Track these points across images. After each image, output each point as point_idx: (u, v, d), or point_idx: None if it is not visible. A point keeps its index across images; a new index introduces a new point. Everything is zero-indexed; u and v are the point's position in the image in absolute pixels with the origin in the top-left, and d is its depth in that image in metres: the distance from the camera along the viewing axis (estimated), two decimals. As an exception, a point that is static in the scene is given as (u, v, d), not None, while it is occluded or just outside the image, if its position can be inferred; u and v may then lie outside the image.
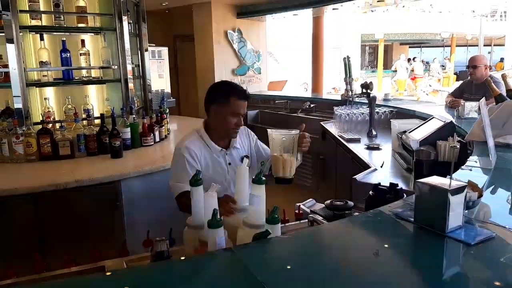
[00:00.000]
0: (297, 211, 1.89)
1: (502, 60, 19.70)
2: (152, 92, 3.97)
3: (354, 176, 2.39)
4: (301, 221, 1.71)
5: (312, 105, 5.40)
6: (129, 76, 3.30)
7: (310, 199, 2.08)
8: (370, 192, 1.66)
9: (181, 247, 1.46)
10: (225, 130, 2.07)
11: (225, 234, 1.28)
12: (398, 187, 1.60)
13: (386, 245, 1.14)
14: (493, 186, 1.71)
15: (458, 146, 1.32)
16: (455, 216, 1.16)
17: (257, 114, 5.73)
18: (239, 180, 1.41)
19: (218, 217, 1.18)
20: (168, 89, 4.89)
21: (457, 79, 16.31)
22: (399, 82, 16.53)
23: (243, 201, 1.36)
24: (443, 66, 20.09)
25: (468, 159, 2.01)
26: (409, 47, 25.44)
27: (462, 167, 1.91)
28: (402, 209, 1.33)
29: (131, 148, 3.10)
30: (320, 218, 1.55)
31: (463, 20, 19.22)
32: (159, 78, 4.73)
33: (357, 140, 3.40)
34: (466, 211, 1.24)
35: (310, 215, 1.54)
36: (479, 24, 15.12)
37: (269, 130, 1.85)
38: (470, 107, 3.33)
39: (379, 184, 1.62)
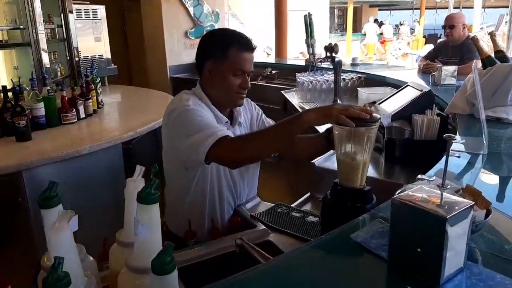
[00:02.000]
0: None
1: (469, 22, 19.56)
2: (81, 58, 3.35)
3: (313, 161, 1.93)
4: (226, 239, 1.21)
5: (273, 72, 4.88)
6: (42, 38, 2.68)
7: (255, 197, 1.63)
8: (328, 193, 1.21)
9: None
10: (226, 95, 1.48)
11: (95, 280, 0.80)
12: (365, 188, 1.15)
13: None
14: (492, 184, 1.28)
15: (456, 138, 0.87)
16: (455, 256, 0.71)
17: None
18: (128, 199, 0.91)
19: (62, 270, 0.69)
20: (108, 54, 4.24)
21: (426, 42, 16.05)
22: (368, 46, 16.13)
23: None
24: (412, 29, 19.79)
25: (452, 141, 1.58)
26: (379, 9, 24.94)
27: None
28: (370, 234, 0.87)
29: (47, 127, 2.54)
30: (251, 243, 1.08)
31: (432, -19, 18.81)
32: (96, 42, 4.08)
33: (320, 112, 2.93)
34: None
35: (238, 239, 1.07)
36: (449, -15, 14.78)
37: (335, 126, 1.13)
38: (447, 72, 2.91)
39: (339, 184, 1.16)
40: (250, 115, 1.71)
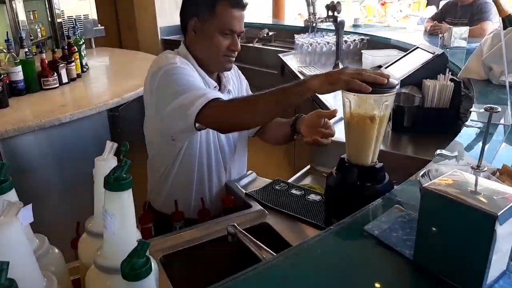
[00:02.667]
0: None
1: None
2: (65, 18, 3.11)
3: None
4: (218, 221, 1.07)
5: (270, 33, 4.64)
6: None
7: (250, 172, 1.47)
8: (333, 171, 1.06)
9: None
10: (213, 57, 1.32)
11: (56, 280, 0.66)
12: (377, 165, 1.00)
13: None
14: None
15: (499, 109, 0.71)
16: (500, 259, 0.57)
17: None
18: (98, 182, 0.76)
19: (6, 278, 0.55)
20: (94, 15, 3.98)
21: (428, 4, 15.55)
22: (368, 8, 15.64)
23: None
24: (413, -10, 19.19)
25: (471, 110, 1.43)
26: (379, -31, 24.09)
27: (467, 123, 1.32)
28: (388, 225, 0.73)
29: (26, 93, 2.36)
30: (245, 231, 0.93)
31: None
32: (81, 1, 3.80)
33: (320, 77, 2.74)
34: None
35: (230, 226, 0.93)
36: None
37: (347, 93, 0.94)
38: (457, 34, 2.71)
39: (346, 160, 1.01)
40: (239, 84, 1.54)
